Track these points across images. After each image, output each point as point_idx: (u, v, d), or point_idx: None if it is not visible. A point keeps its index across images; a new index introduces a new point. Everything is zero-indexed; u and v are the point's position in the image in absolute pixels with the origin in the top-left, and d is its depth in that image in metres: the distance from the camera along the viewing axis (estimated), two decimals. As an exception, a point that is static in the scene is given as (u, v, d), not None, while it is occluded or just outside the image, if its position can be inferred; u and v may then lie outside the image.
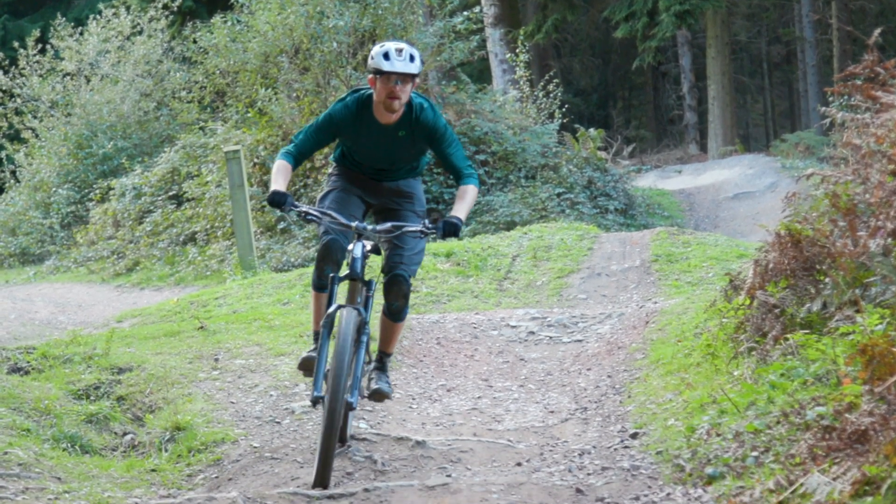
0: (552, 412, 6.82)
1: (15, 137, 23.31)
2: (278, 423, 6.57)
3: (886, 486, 3.86)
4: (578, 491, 4.90)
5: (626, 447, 5.71)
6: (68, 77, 22.84)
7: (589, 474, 5.33)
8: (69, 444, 6.12)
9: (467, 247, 12.93)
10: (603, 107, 41.36)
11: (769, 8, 37.61)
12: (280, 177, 5.53)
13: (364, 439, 6.01)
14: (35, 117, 22.90)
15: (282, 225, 16.37)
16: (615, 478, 5.15)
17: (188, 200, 18.11)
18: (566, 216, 16.44)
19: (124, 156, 21.34)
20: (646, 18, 29.40)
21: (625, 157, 28.54)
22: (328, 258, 5.59)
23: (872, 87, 6.22)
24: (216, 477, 5.69)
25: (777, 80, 44.10)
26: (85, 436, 6.30)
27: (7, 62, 23.00)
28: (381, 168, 5.79)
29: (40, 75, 22.94)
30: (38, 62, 22.95)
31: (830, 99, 14.19)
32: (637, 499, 4.76)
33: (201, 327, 8.96)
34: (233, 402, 6.95)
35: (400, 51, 5.45)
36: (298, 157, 5.67)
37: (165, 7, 23.02)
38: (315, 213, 5.46)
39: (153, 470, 5.81)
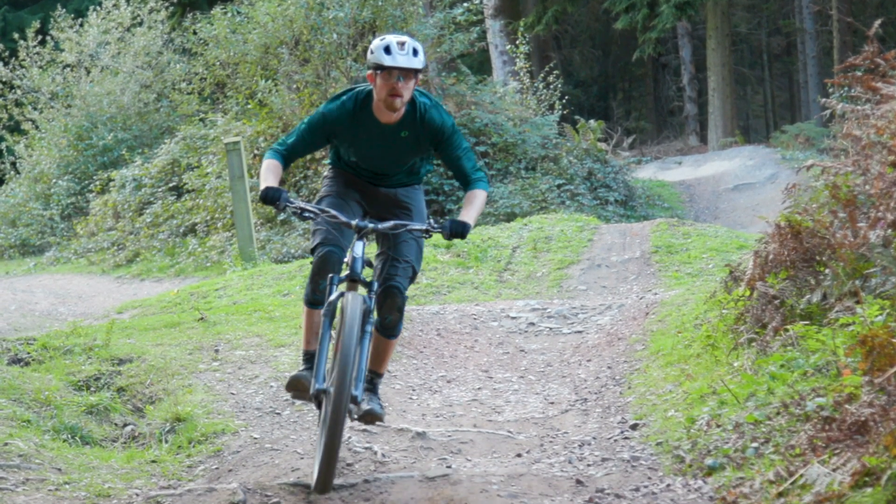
0: (552, 403, 6.82)
1: (15, 129, 23.32)
2: (278, 414, 6.57)
3: (886, 476, 3.86)
4: (578, 482, 4.91)
5: (626, 438, 5.72)
6: (68, 68, 22.81)
7: (589, 465, 5.33)
8: (69, 435, 6.13)
9: (468, 238, 12.91)
10: (603, 98, 41.31)
11: (769, -1, 37.62)
12: (271, 175, 5.10)
13: (364, 430, 6.02)
14: (35, 109, 22.88)
15: (282, 216, 16.36)
16: (615, 469, 5.16)
17: (188, 192, 18.10)
18: (566, 207, 16.45)
19: (124, 147, 21.32)
20: (646, 10, 29.40)
21: (625, 149, 28.48)
22: (324, 272, 5.12)
23: (872, 79, 6.23)
24: (216, 468, 5.70)
25: (777, 72, 44.04)
26: (85, 427, 6.31)
27: (7, 53, 22.97)
28: (379, 172, 5.34)
29: (40, 67, 22.90)
30: (38, 53, 22.91)
31: (831, 90, 14.19)
32: (637, 490, 4.76)
33: (201, 318, 8.96)
34: (233, 394, 6.95)
35: (402, 44, 4.99)
36: (288, 158, 5.23)
37: (165, -2, 23.04)
38: (313, 209, 5.02)
39: (153, 461, 5.81)
